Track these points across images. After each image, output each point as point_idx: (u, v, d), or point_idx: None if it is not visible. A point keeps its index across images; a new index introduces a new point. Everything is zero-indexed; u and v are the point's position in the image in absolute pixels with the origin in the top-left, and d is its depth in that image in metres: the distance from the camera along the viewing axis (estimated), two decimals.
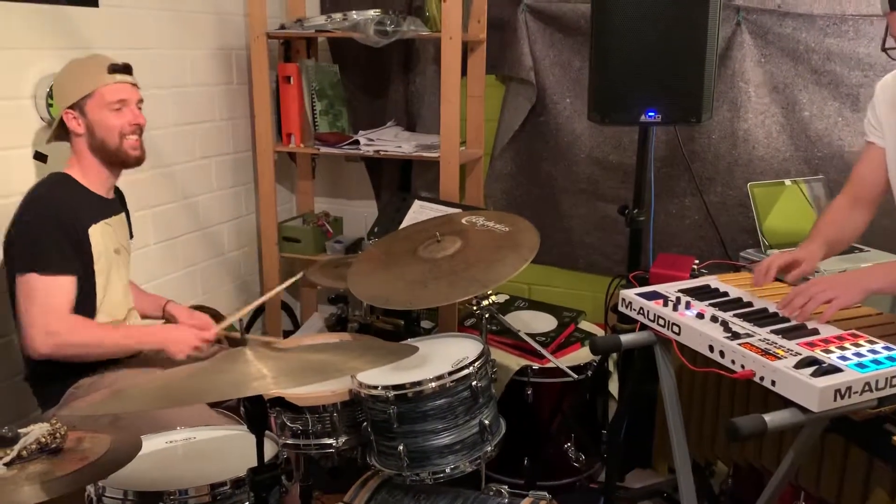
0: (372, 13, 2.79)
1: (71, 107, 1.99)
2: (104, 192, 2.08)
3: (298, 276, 2.38)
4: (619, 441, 2.40)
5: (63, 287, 1.92)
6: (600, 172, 2.96)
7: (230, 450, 1.68)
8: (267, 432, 1.68)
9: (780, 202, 2.56)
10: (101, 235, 2.02)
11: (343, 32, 2.81)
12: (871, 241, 2.39)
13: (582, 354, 2.61)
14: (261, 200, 3.09)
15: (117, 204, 2.16)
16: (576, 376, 2.43)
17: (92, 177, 2.05)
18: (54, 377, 2.01)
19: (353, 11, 2.84)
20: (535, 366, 2.52)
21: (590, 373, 2.57)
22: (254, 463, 1.44)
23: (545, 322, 2.80)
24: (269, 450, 1.63)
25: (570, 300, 3.01)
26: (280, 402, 1.90)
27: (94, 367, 2.03)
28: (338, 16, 2.86)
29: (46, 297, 1.89)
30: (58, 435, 1.34)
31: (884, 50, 1.59)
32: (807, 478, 1.56)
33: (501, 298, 3.01)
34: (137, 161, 2.08)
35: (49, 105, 2.22)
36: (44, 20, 2.23)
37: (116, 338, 1.99)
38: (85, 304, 2.02)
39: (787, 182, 2.60)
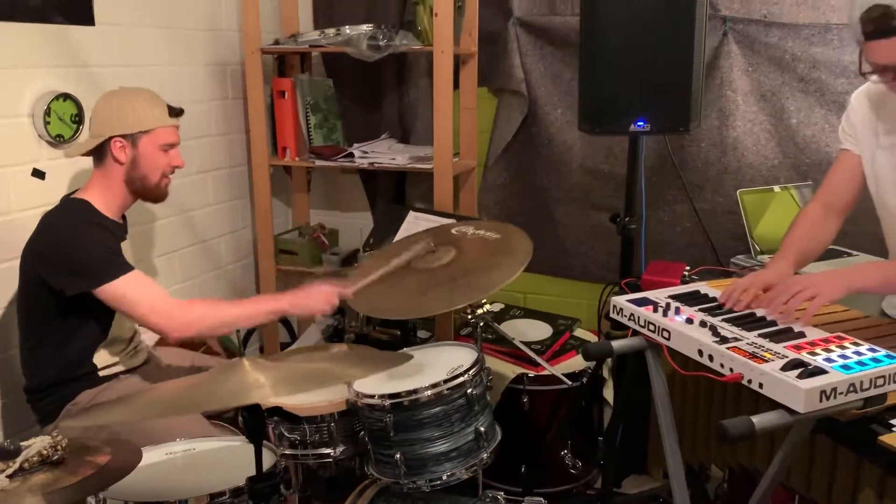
0: (364, 28, 2.83)
1: (122, 136, 2.03)
2: (117, 218, 2.13)
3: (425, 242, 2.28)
4: (615, 447, 2.42)
5: (146, 277, 2.00)
6: (592, 182, 2.99)
7: (229, 460, 1.70)
8: (265, 442, 1.71)
9: (770, 208, 2.60)
10: None
11: (336, 47, 2.85)
12: (859, 246, 2.43)
13: (577, 362, 2.63)
14: (257, 214, 3.12)
15: (125, 227, 2.20)
16: (571, 383, 2.45)
17: (114, 203, 2.09)
18: (52, 392, 2.04)
19: (346, 26, 2.88)
20: (531, 373, 2.55)
21: (585, 380, 2.60)
22: (252, 473, 1.46)
23: (540, 330, 2.82)
24: (268, 459, 1.65)
25: (564, 308, 3.04)
26: (278, 412, 1.93)
27: (92, 382, 2.06)
28: (331, 31, 2.90)
29: (146, 288, 1.96)
30: (59, 447, 1.36)
31: (862, 74, 1.62)
32: (798, 479, 1.59)
33: (497, 307, 3.04)
34: (164, 198, 2.18)
35: (47, 123, 2.25)
36: (41, 39, 2.27)
37: (249, 310, 2.02)
38: (101, 322, 2.06)
39: (777, 188, 2.64)
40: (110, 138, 2.03)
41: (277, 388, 1.26)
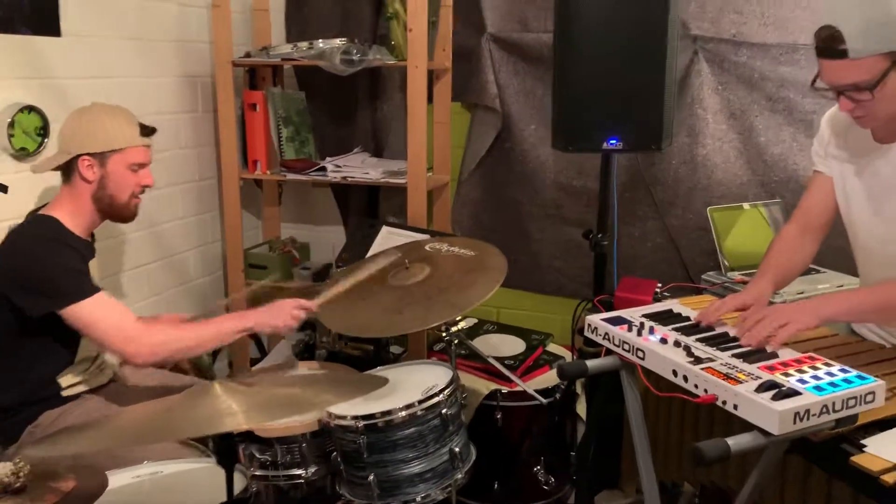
0: (338, 42, 2.82)
1: (91, 154, 1.98)
2: (86, 237, 2.08)
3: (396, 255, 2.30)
4: (588, 463, 2.42)
5: (112, 300, 1.95)
6: (565, 197, 3.01)
7: (198, 484, 1.66)
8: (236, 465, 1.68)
9: (740, 225, 2.63)
10: None
11: (309, 61, 2.83)
12: (826, 262, 2.46)
13: (550, 377, 2.63)
14: (226, 227, 3.08)
15: (93, 246, 2.15)
16: (544, 401, 2.45)
17: (81, 221, 2.04)
18: (14, 414, 1.97)
19: (319, 40, 2.86)
20: (505, 389, 2.54)
21: (558, 395, 2.60)
22: (222, 497, 1.43)
23: (514, 345, 2.82)
24: (239, 482, 1.62)
25: (537, 323, 3.04)
26: (248, 434, 1.89)
27: (54, 402, 2.01)
28: (303, 44, 2.88)
29: (110, 312, 1.91)
30: (21, 474, 1.32)
31: (812, 87, 1.65)
32: (771, 499, 1.60)
33: (470, 322, 3.03)
34: (133, 218, 2.14)
35: (11, 136, 2.20)
36: (6, 49, 2.22)
37: (214, 331, 1.99)
38: (68, 344, 2.01)
39: (746, 206, 2.67)
40: (78, 156, 1.99)
41: (250, 415, 1.23)
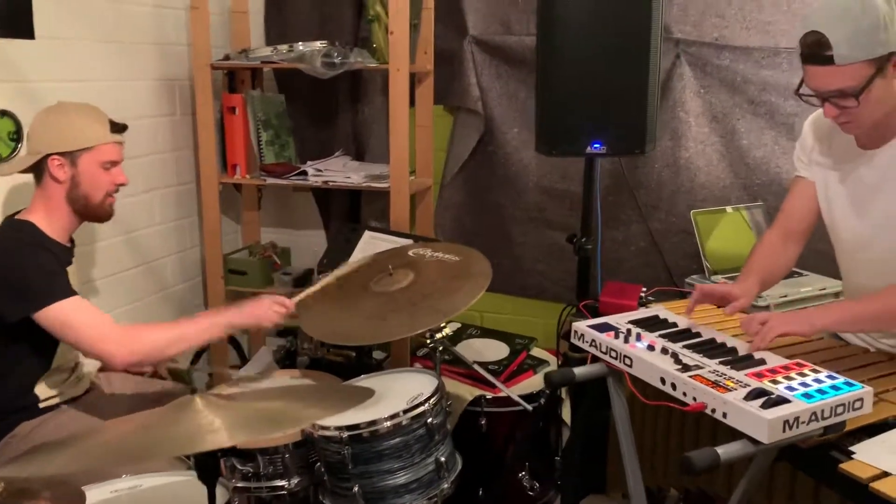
0: (318, 44, 2.79)
1: (60, 154, 1.94)
2: (65, 241, 2.03)
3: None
4: (574, 468, 2.41)
5: (89, 303, 1.92)
6: (548, 201, 3.00)
7: (177, 498, 1.63)
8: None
9: (722, 228, 2.64)
10: None
11: (289, 64, 2.79)
12: (809, 266, 2.47)
13: (535, 382, 2.62)
14: (205, 233, 3.03)
15: (72, 251, 2.10)
16: (529, 407, 2.43)
17: (58, 224, 2.00)
18: None
19: (300, 43, 2.83)
20: (489, 395, 2.53)
21: (542, 401, 2.59)
22: None
23: (497, 350, 2.80)
24: (220, 496, 1.58)
25: (521, 327, 3.03)
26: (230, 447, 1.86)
27: (32, 413, 1.96)
28: (283, 47, 2.84)
29: (87, 314, 1.88)
30: None
31: (797, 93, 1.65)
32: None
33: (454, 327, 3.01)
34: (109, 217, 2.09)
35: None
36: None
37: (193, 329, 1.98)
38: (44, 352, 1.96)
39: (729, 209, 2.68)
40: (47, 156, 1.94)
41: (233, 433, 1.20)
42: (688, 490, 2.11)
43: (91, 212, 2.04)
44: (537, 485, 2.61)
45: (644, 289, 2.23)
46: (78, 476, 1.61)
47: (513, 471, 2.59)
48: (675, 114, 2.77)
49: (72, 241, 2.10)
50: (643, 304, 2.13)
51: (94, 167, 1.98)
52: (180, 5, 2.95)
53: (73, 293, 1.89)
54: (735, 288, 1.75)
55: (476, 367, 2.35)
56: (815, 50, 1.54)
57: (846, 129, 1.69)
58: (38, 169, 1.98)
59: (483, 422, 2.52)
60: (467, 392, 2.55)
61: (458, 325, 3.02)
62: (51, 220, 1.98)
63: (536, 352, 2.84)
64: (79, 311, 1.87)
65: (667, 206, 2.85)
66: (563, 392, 2.72)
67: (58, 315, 1.84)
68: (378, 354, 2.93)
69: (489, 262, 2.17)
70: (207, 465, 1.31)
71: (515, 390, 2.57)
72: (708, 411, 1.38)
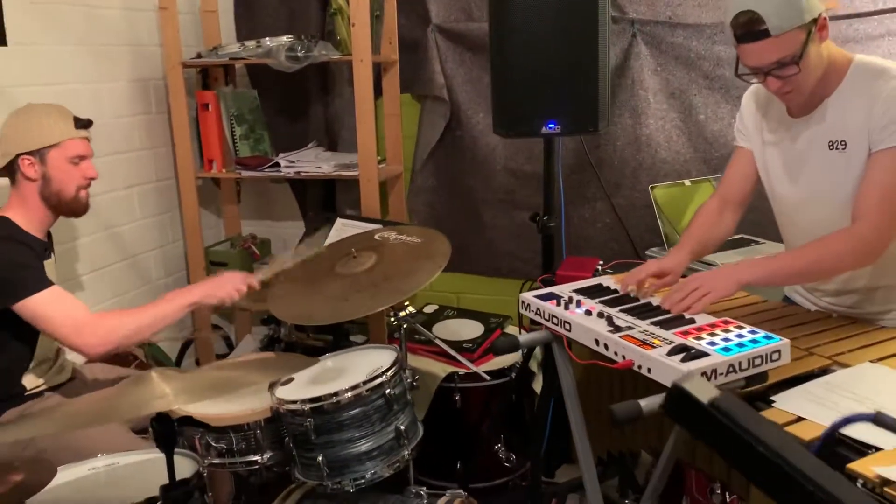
0: (285, 39, 2.87)
1: (30, 153, 2.03)
2: (41, 235, 2.13)
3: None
4: (542, 438, 2.50)
5: (65, 294, 2.00)
6: (516, 182, 3.07)
7: (151, 473, 1.71)
8: (187, 452, 1.74)
9: (682, 201, 2.71)
10: None
11: (257, 59, 2.87)
12: (767, 234, 2.55)
13: (508, 357, 2.70)
14: (186, 227, 3.13)
15: (50, 246, 2.20)
16: (489, 378, 2.53)
17: (35, 221, 2.09)
18: None
19: (267, 38, 2.91)
20: (462, 371, 2.62)
21: (514, 374, 2.68)
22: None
23: (473, 329, 2.90)
24: (189, 468, 1.68)
25: (496, 306, 3.11)
26: (204, 425, 1.95)
27: (16, 400, 2.06)
28: (251, 43, 2.92)
29: (62, 305, 1.96)
30: None
31: (737, 75, 1.72)
32: (702, 459, 1.67)
33: (431, 308, 3.10)
34: (85, 211, 2.18)
35: None
36: None
37: (164, 309, 2.07)
38: (26, 342, 2.05)
39: (687, 182, 2.75)
40: (18, 156, 2.03)
41: (178, 397, 1.30)
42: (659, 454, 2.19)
43: (66, 206, 2.13)
44: (513, 456, 2.70)
45: (601, 262, 2.31)
46: (57, 455, 1.72)
47: (489, 443, 2.68)
48: (634, 92, 2.84)
49: (49, 235, 2.19)
50: (597, 276, 2.21)
51: (63, 162, 2.07)
52: (149, 7, 3.03)
53: (50, 284, 1.98)
54: (665, 262, 1.82)
55: (439, 342, 2.44)
56: (749, 28, 1.60)
57: (789, 99, 1.75)
58: (10, 170, 2.07)
59: (457, 397, 2.62)
60: (441, 369, 2.65)
61: (436, 306, 3.11)
62: (27, 216, 2.07)
63: (511, 329, 2.93)
64: (53, 302, 1.95)
65: (630, 183, 2.92)
66: (535, 366, 2.81)
67: (35, 307, 1.93)
68: (358, 338, 3.03)
69: (448, 242, 2.25)
70: (163, 436, 1.41)
71: (489, 366, 2.67)
72: (635, 367, 1.47)
